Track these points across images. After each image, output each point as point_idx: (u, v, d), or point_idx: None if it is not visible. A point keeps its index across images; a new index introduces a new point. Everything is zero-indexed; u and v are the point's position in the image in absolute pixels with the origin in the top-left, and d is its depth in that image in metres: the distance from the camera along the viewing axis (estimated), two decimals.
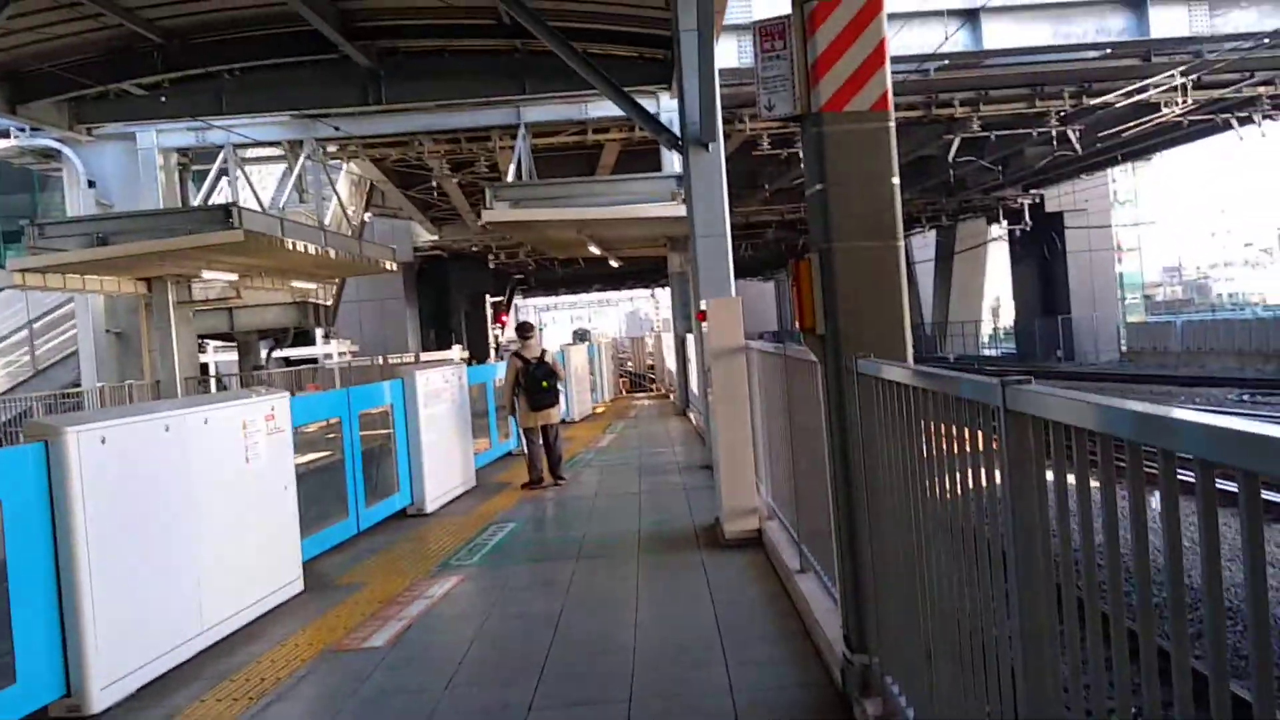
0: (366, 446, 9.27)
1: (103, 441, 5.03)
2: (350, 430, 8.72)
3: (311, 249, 17.23)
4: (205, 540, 5.82)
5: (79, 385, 20.15)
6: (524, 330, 11.77)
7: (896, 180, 4.17)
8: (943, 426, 2.88)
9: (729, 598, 6.06)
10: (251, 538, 6.37)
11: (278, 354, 29.48)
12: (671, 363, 23.34)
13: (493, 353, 41.50)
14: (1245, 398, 22.99)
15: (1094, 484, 1.88)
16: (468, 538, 8.54)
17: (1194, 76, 19.72)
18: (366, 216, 28.54)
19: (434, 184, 25.21)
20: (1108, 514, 1.84)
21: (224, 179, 19.40)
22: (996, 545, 2.51)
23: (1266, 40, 18.53)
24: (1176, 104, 20.62)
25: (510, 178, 18.10)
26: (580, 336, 68.10)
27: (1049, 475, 2.14)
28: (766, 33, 4.20)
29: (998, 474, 2.40)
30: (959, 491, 2.81)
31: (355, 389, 9.45)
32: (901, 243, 4.20)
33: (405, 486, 9.74)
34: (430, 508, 9.86)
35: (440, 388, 10.55)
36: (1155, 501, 1.77)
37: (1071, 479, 2.04)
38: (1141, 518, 1.69)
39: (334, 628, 5.99)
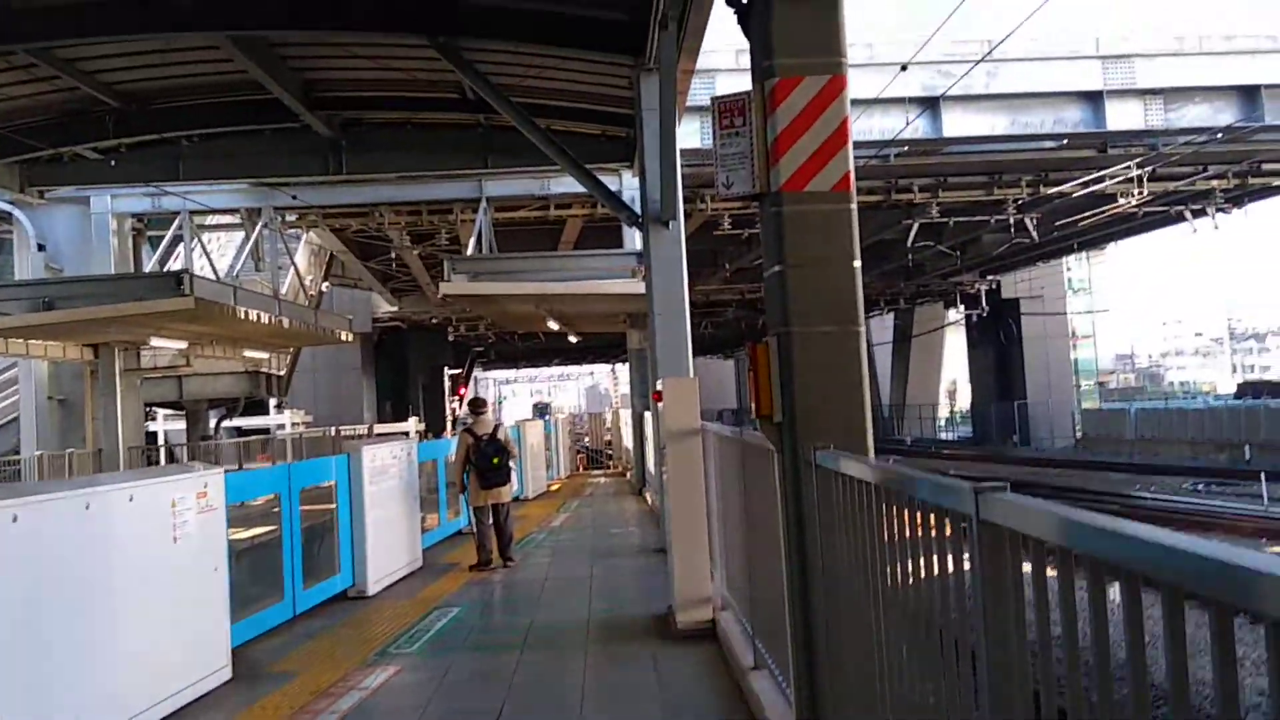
0: (307, 524, 8.92)
1: (14, 520, 4.71)
2: (289, 508, 8.37)
3: (265, 318, 16.90)
4: (124, 625, 5.47)
5: (19, 453, 19.51)
6: (476, 405, 11.50)
7: (858, 263, 4.02)
8: (907, 528, 2.68)
9: (679, 697, 5.76)
10: (176, 622, 6.01)
11: (229, 423, 28.91)
12: (629, 440, 23.08)
13: (449, 426, 41.02)
14: (1200, 487, 23.07)
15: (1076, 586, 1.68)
16: (409, 623, 8.17)
17: (1149, 169, 20.11)
18: (325, 286, 28.26)
19: (394, 255, 25.04)
20: (1097, 643, 1.64)
21: (180, 245, 19.10)
22: (965, 651, 2.30)
23: (1219, 135, 18.94)
24: (1132, 195, 20.99)
25: (470, 251, 17.97)
26: (540, 411, 67.68)
27: (1028, 588, 1.94)
28: (726, 109, 4.07)
29: (968, 578, 2.20)
30: (924, 593, 2.60)
31: (297, 465, 9.13)
32: (863, 328, 4.04)
33: (346, 567, 9.36)
34: (372, 590, 9.47)
35: (388, 464, 10.22)
36: (1155, 619, 1.57)
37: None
38: (1139, 650, 1.48)
39: None
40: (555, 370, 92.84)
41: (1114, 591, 1.61)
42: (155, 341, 18.04)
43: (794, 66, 3.96)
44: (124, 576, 5.50)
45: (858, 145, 18.26)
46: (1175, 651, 1.36)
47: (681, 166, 11.46)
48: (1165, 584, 1.35)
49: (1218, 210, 23.35)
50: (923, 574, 2.59)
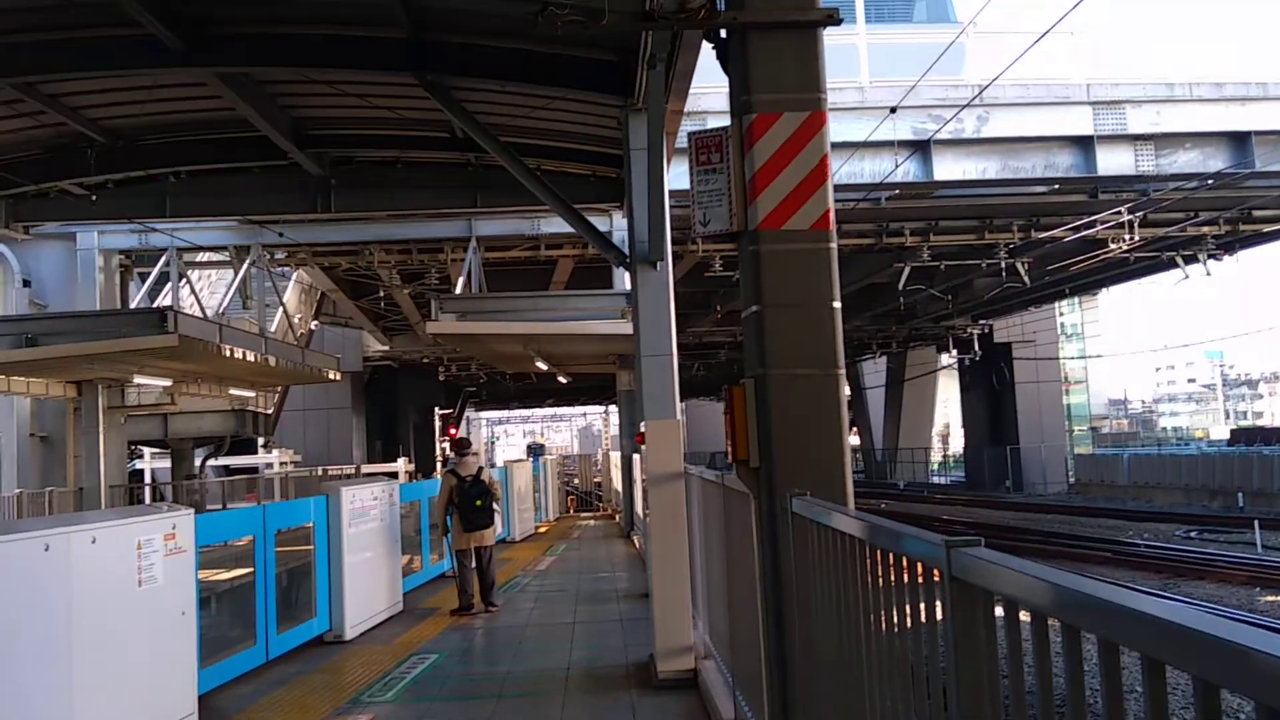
0: (283, 567, 8.73)
1: None
2: (264, 550, 8.19)
3: (251, 356, 16.75)
4: (84, 671, 5.27)
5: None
6: (460, 446, 11.34)
7: (838, 304, 3.91)
8: (881, 579, 2.54)
9: None
10: (140, 668, 5.82)
11: (216, 462, 28.65)
12: (619, 482, 22.89)
13: (439, 466, 40.76)
14: (1193, 534, 22.91)
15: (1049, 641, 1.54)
16: (385, 670, 7.97)
17: (1140, 214, 20.12)
18: (314, 325, 28.14)
19: (384, 294, 24.95)
20: (1072, 705, 1.50)
21: (168, 282, 18.99)
22: (951, 704, 2.16)
23: (1210, 181, 18.97)
24: (1123, 240, 20.99)
25: (460, 290, 17.88)
26: (535, 451, 67.45)
27: (1000, 647, 1.81)
28: (703, 145, 3.98)
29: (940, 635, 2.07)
30: (901, 646, 2.46)
31: (272, 505, 8.94)
32: (843, 371, 3.92)
33: (323, 610, 9.16)
34: (350, 634, 9.26)
35: (369, 505, 10.04)
36: (1133, 671, 1.43)
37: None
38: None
39: None
40: (548, 411, 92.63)
41: (1090, 646, 1.49)
42: (139, 379, 17.87)
43: (773, 102, 3.87)
44: (84, 620, 5.32)
45: (849, 188, 18.36)
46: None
47: (671, 208, 11.38)
48: (1143, 655, 1.22)
49: (1209, 256, 23.36)
50: (896, 627, 2.46)
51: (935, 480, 49.66)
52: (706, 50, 9.47)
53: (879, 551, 2.50)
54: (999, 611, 1.81)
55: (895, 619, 2.46)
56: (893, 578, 2.43)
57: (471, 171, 14.88)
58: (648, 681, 7.11)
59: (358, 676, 7.79)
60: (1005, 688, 1.87)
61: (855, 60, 18.96)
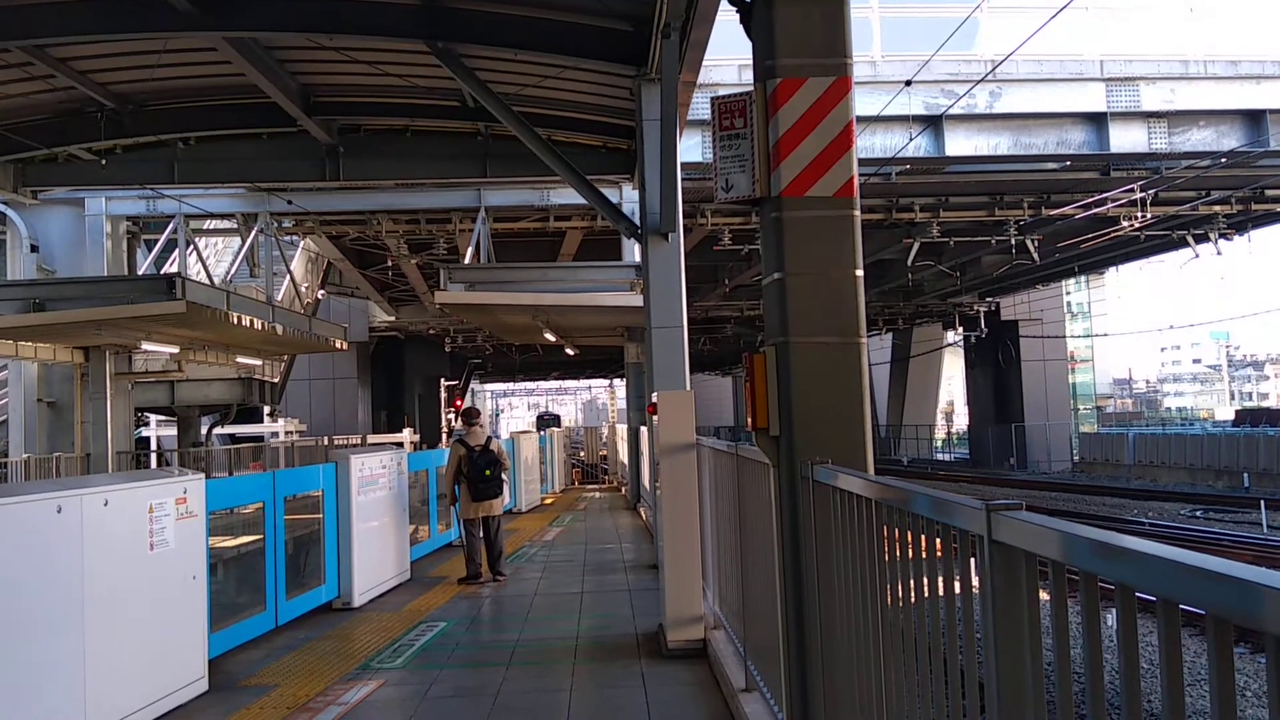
0: (292, 534, 8.74)
1: None
2: (274, 516, 8.19)
3: (258, 324, 16.74)
4: (93, 634, 5.28)
5: (6, 455, 19.32)
6: (469, 416, 11.31)
7: (860, 272, 3.87)
8: (909, 546, 2.52)
9: (667, 719, 5.58)
10: (150, 632, 5.83)
11: (222, 431, 28.70)
12: (625, 455, 22.90)
13: (444, 437, 40.82)
14: (1198, 514, 22.91)
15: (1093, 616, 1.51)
16: (394, 636, 7.99)
17: (1152, 192, 19.99)
18: (321, 294, 28.11)
19: (391, 264, 24.89)
20: (1128, 670, 1.48)
21: (175, 249, 18.96)
22: (972, 679, 2.13)
23: (1224, 160, 18.83)
24: (1134, 219, 20.87)
25: (468, 260, 17.83)
26: (547, 422, 64.64)
27: (1044, 613, 1.78)
28: (726, 109, 3.92)
29: (976, 602, 2.04)
30: (927, 617, 2.44)
31: (281, 472, 8.93)
32: (865, 340, 3.89)
33: (332, 578, 9.18)
34: (358, 601, 9.29)
35: (377, 473, 10.04)
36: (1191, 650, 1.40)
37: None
38: (1177, 681, 1.32)
39: None
40: (553, 384, 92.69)
41: (1144, 620, 1.46)
42: (147, 345, 17.88)
43: (798, 67, 3.82)
44: (96, 583, 5.32)
45: (860, 162, 18.19)
46: (1223, 686, 1.20)
47: (682, 180, 11.32)
48: (1209, 613, 1.20)
49: (1220, 236, 23.22)
50: (926, 596, 2.44)
51: (939, 457, 49.69)
52: (719, 22, 9.42)
53: (907, 517, 2.47)
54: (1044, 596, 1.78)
55: (925, 588, 2.43)
56: (922, 545, 2.40)
57: (481, 141, 14.80)
58: (657, 651, 7.12)
59: (367, 643, 7.80)
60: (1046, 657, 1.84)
61: (868, 34, 18.80)
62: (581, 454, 42.19)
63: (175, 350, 18.89)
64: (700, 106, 15.50)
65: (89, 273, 17.55)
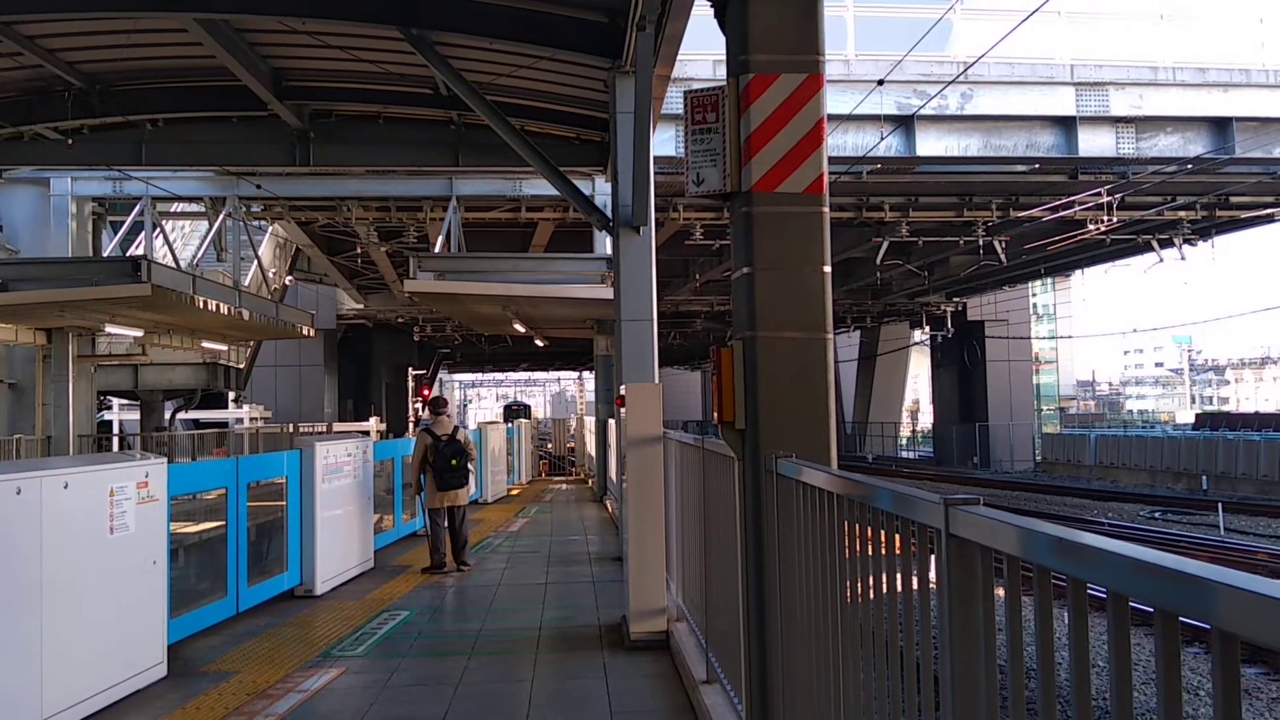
0: (254, 520, 8.68)
1: None
2: (236, 502, 8.13)
3: (224, 309, 16.60)
4: (52, 618, 5.24)
5: None
6: (436, 406, 11.28)
7: (828, 269, 3.90)
8: (870, 541, 2.55)
9: (628, 710, 5.61)
10: (109, 616, 5.78)
11: (186, 416, 28.44)
12: (592, 447, 22.91)
13: (411, 427, 40.63)
14: (1157, 515, 23.23)
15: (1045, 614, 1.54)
16: (356, 625, 7.97)
17: (1118, 196, 20.22)
18: (289, 280, 27.89)
19: (361, 251, 24.74)
20: (1078, 666, 1.51)
21: (141, 232, 18.76)
22: (928, 674, 2.16)
23: (1189, 166, 19.08)
24: (1101, 222, 21.10)
25: (438, 249, 17.76)
26: (515, 413, 61.64)
27: (999, 609, 1.81)
28: (699, 103, 3.94)
29: (934, 597, 2.07)
30: (885, 611, 2.47)
31: (245, 458, 8.88)
32: (831, 335, 3.92)
33: (295, 565, 9.13)
34: (321, 589, 9.24)
35: (342, 461, 9.99)
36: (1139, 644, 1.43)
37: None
38: (1126, 677, 1.35)
39: None
40: (522, 375, 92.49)
41: (1095, 619, 1.49)
42: (110, 328, 17.67)
43: (771, 63, 3.84)
44: (54, 567, 5.27)
45: (831, 160, 18.27)
46: (1170, 681, 1.23)
47: (654, 174, 11.34)
48: (1158, 608, 1.23)
49: (1185, 241, 23.53)
50: (885, 590, 2.47)
51: (904, 455, 50.07)
52: (694, 17, 9.45)
53: (868, 511, 2.50)
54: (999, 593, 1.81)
55: (884, 583, 2.46)
56: (881, 539, 2.43)
57: (454, 130, 14.74)
58: (620, 642, 7.14)
59: (328, 631, 7.77)
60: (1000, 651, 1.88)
61: (842, 32, 18.86)
62: (549, 446, 42.14)
63: (139, 333, 18.69)
64: (674, 100, 15.51)
65: (53, 253, 17.33)
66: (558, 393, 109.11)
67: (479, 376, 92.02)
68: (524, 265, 16.70)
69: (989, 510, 1.75)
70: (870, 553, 2.56)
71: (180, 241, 23.89)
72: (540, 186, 17.50)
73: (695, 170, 3.97)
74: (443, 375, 67.83)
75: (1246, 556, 15.96)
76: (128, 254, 19.03)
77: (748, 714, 4.05)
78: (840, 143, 18.31)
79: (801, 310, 3.84)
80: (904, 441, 53.76)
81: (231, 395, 28.11)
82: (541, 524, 15.31)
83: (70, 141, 13.96)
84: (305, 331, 21.85)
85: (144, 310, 15.76)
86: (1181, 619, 1.25)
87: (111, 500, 5.81)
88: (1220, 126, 19.13)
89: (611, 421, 16.52)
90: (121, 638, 5.93)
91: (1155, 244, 24.14)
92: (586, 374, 70.15)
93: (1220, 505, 22.18)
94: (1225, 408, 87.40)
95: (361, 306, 33.78)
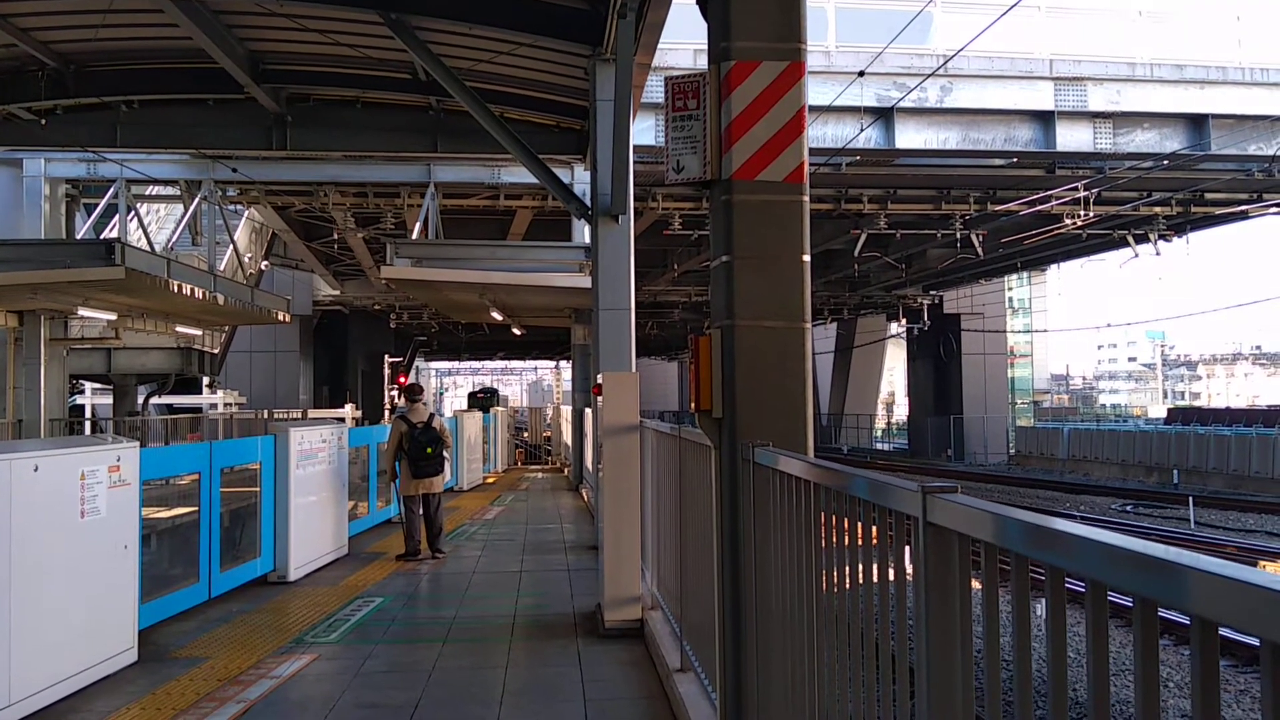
0: (228, 506, 8.62)
1: None
2: (209, 488, 8.07)
3: (199, 293, 16.45)
4: (21, 602, 5.18)
5: None
6: (412, 393, 11.24)
7: (807, 258, 3.89)
8: (845, 529, 2.55)
9: (602, 698, 5.61)
10: (79, 601, 5.73)
11: (159, 401, 28.20)
12: (569, 436, 22.89)
13: (387, 414, 40.45)
14: (1129, 508, 23.43)
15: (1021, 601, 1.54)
16: (330, 611, 7.93)
17: (1095, 191, 20.34)
18: (265, 265, 27.68)
19: (337, 237, 24.56)
20: (1055, 655, 1.51)
21: (115, 215, 18.56)
22: (903, 666, 2.17)
23: (1165, 162, 19.20)
24: (1077, 217, 21.22)
25: (416, 235, 17.67)
26: (482, 400, 59.06)
27: (975, 599, 1.81)
28: (680, 90, 3.92)
29: (909, 586, 2.07)
30: (861, 601, 2.47)
31: (219, 443, 8.81)
32: (809, 325, 3.91)
33: (268, 551, 9.08)
34: (294, 575, 9.20)
35: (317, 447, 9.94)
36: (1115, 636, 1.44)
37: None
38: (1103, 666, 1.35)
39: (161, 707, 5.37)
40: (499, 364, 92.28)
41: (1072, 610, 1.49)
42: (83, 311, 17.48)
43: (752, 50, 3.82)
44: (23, 550, 5.22)
45: (811, 151, 18.27)
46: (1148, 670, 1.23)
47: (634, 163, 11.32)
48: (1136, 596, 1.23)
49: (1160, 237, 23.69)
50: (861, 580, 2.47)
51: (879, 447, 50.30)
52: (675, 5, 9.42)
53: (845, 500, 2.50)
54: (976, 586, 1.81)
55: (860, 573, 2.46)
56: (859, 529, 2.43)
57: (433, 115, 14.65)
58: (594, 630, 7.14)
59: (301, 617, 7.74)
60: (976, 640, 1.88)
61: (823, 23, 18.86)
62: (525, 434, 42.07)
63: (113, 317, 18.51)
64: (654, 89, 15.46)
65: (26, 235, 17.12)
66: (535, 381, 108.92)
67: (456, 365, 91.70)
68: (502, 253, 16.63)
69: (966, 497, 1.75)
70: (847, 542, 2.56)
71: (155, 225, 23.67)
72: (519, 174, 17.43)
73: (675, 157, 3.95)
74: (419, 363, 67.55)
75: (1216, 550, 16.12)
76: (101, 236, 18.84)
77: (722, 703, 4.05)
78: (820, 134, 18.31)
79: (780, 299, 3.83)
80: (879, 433, 54.01)
81: (206, 380, 27.88)
82: (517, 512, 15.29)
83: (44, 122, 13.78)
84: (281, 317, 21.71)
85: (118, 294, 15.60)
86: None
87: (82, 484, 5.75)
88: (1196, 123, 19.26)
89: (588, 411, 16.50)
90: (91, 622, 5.88)
91: (1131, 239, 24.31)
92: (564, 364, 70.00)
93: (1191, 499, 22.39)
94: (1197, 403, 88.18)
95: (338, 293, 33.57)
